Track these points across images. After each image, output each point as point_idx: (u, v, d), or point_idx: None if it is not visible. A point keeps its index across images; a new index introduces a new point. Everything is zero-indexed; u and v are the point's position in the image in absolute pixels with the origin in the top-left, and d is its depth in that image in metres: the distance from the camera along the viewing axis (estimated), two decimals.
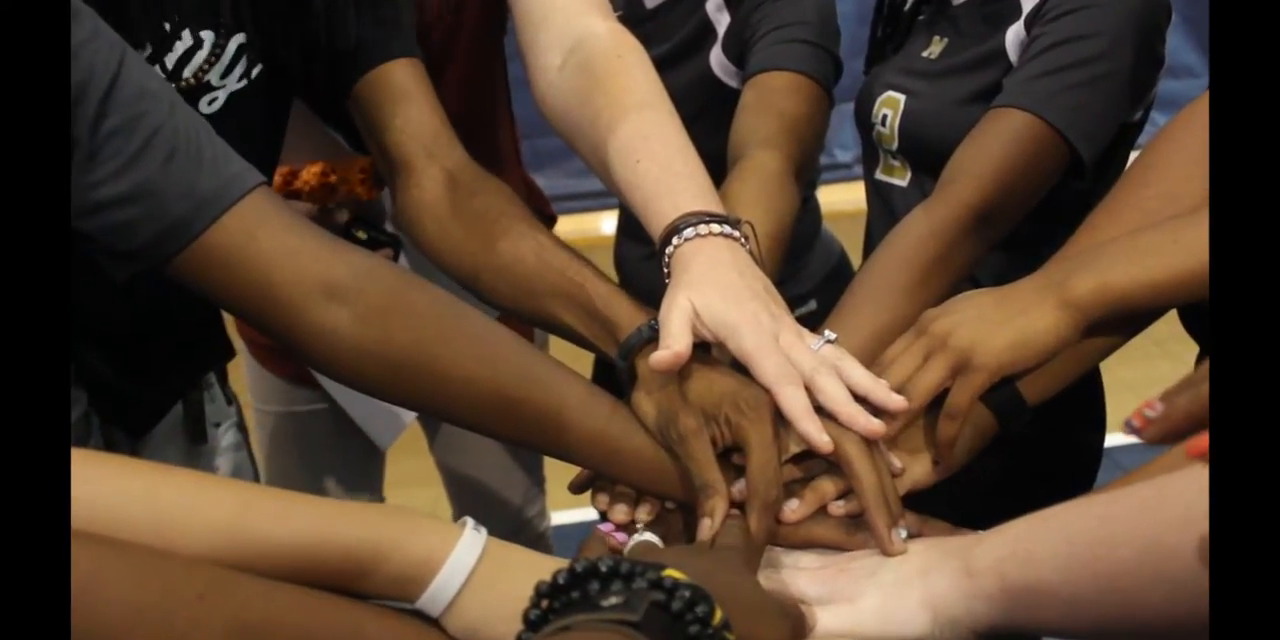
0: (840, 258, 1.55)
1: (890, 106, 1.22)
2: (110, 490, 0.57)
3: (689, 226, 0.81)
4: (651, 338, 0.78)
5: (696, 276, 0.78)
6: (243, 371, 1.49)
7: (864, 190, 1.32)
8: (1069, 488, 1.22)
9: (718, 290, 0.77)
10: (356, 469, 1.55)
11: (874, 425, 0.74)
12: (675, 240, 0.81)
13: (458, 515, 1.67)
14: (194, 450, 1.12)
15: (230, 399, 1.20)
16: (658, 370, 0.75)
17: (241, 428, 1.21)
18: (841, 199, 2.72)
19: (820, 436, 0.72)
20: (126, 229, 0.74)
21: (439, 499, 1.70)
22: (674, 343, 0.75)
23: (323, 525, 0.60)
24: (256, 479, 1.25)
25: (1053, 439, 1.08)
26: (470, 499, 1.61)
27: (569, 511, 2.00)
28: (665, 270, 0.82)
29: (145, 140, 0.73)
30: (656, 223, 0.83)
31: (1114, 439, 2.10)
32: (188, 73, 0.89)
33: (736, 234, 0.82)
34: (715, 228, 0.81)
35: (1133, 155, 1.17)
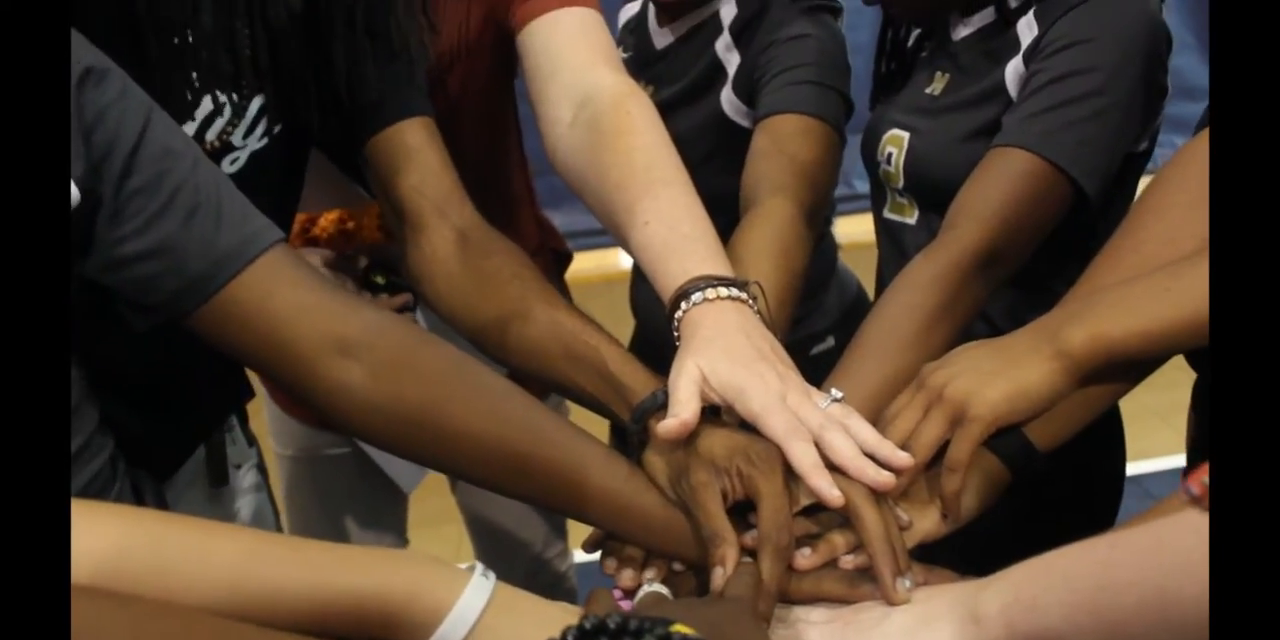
0: (857, 293, 1.55)
1: (895, 144, 1.22)
2: (115, 542, 0.58)
3: (697, 291, 0.82)
4: (665, 403, 0.79)
5: (703, 341, 0.79)
6: (263, 414, 1.50)
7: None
8: (1092, 518, 1.22)
9: (725, 354, 0.78)
10: (380, 512, 1.56)
11: (883, 477, 0.74)
12: (684, 305, 0.82)
13: (479, 555, 1.68)
14: (216, 492, 1.13)
15: (251, 440, 1.21)
16: (666, 438, 0.76)
17: (262, 469, 1.22)
18: (861, 230, 2.71)
19: (831, 490, 0.73)
20: (148, 284, 0.75)
21: (463, 537, 1.70)
22: (681, 410, 0.76)
23: (329, 573, 0.60)
24: (277, 520, 1.26)
25: (1069, 470, 1.07)
26: (492, 540, 1.61)
27: None
28: (675, 335, 0.83)
29: (168, 198, 0.74)
30: (665, 286, 0.85)
31: (1142, 466, 2.09)
32: (211, 136, 0.90)
33: (744, 296, 0.83)
34: (723, 291, 0.82)
35: (1141, 183, 1.17)
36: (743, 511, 0.76)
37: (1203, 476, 0.52)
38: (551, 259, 1.47)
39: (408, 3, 0.93)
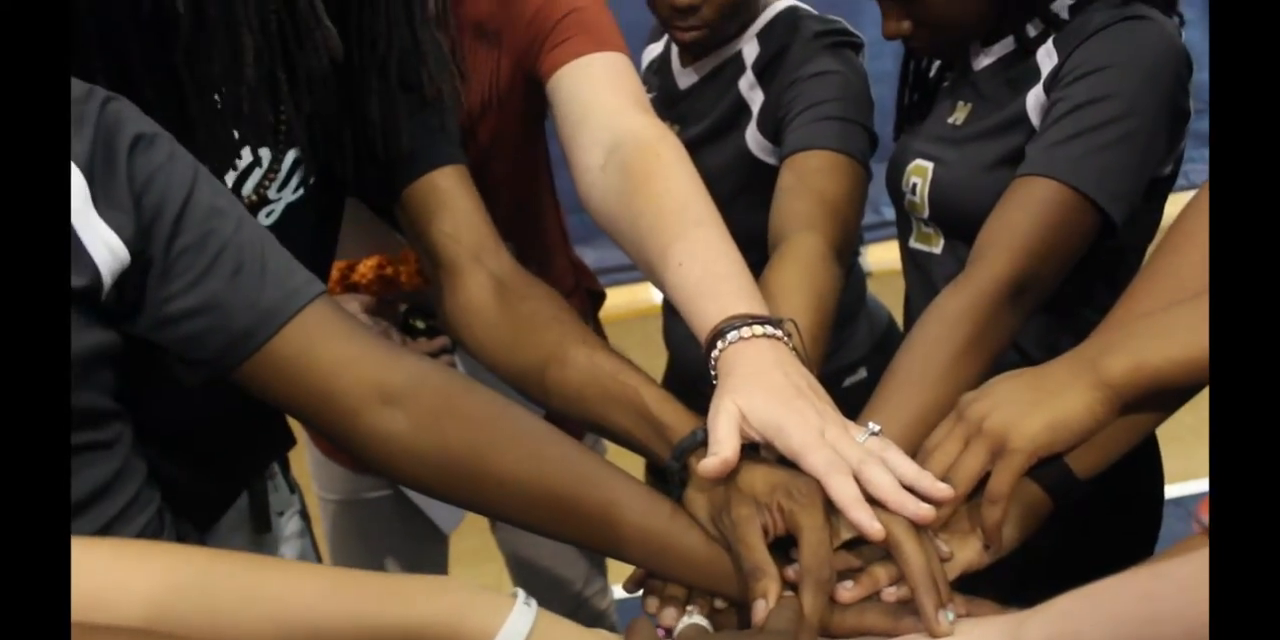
0: (888, 324, 1.56)
1: (919, 175, 1.23)
2: (164, 581, 0.60)
3: (732, 330, 0.83)
4: (705, 441, 0.80)
5: (740, 380, 0.81)
6: (305, 460, 1.51)
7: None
8: (1133, 540, 1.21)
9: (762, 391, 0.79)
10: (421, 552, 1.57)
11: (923, 510, 0.75)
12: (720, 344, 0.84)
13: None
14: (259, 539, 1.14)
15: (293, 487, 1.22)
16: (707, 477, 0.77)
17: (304, 515, 1.23)
18: (891, 257, 2.72)
19: (872, 524, 0.73)
20: (196, 340, 0.77)
21: (502, 576, 1.71)
22: (722, 449, 0.77)
23: (374, 605, 0.62)
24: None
25: (1107, 493, 1.07)
26: (532, 578, 1.62)
27: None
28: (712, 373, 0.84)
29: (214, 257, 0.77)
30: (701, 326, 0.86)
31: (1184, 488, 2.06)
32: (247, 190, 0.92)
33: (779, 333, 0.84)
34: (758, 330, 0.83)
35: (1169, 202, 1.17)
36: (784, 547, 0.77)
37: None
38: (585, 299, 1.49)
39: (439, 53, 0.95)
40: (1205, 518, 0.54)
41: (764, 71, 1.35)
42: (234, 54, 0.82)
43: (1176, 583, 0.57)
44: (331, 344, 0.79)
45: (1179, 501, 1.30)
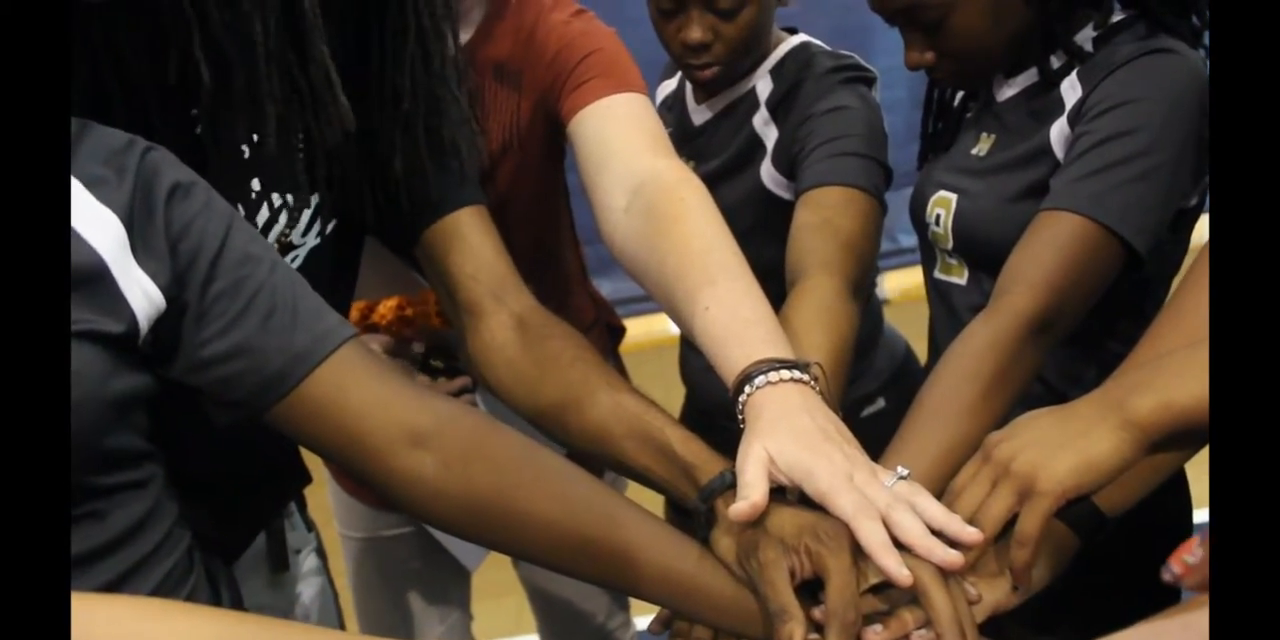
0: (905, 354, 1.55)
1: (943, 206, 1.22)
2: None
3: (760, 374, 0.84)
4: (732, 484, 0.81)
5: (769, 424, 0.81)
6: (322, 497, 1.51)
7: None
8: (1159, 566, 1.20)
9: (791, 435, 0.80)
10: (444, 588, 1.57)
11: (951, 557, 0.75)
12: (748, 389, 0.84)
13: (541, 627, 1.68)
14: (276, 579, 1.15)
15: (310, 525, 1.22)
16: (737, 521, 0.78)
17: (321, 553, 1.23)
18: (906, 283, 2.71)
19: (900, 570, 0.73)
20: (230, 382, 0.78)
21: (524, 609, 1.70)
22: (751, 493, 0.77)
23: None
24: (336, 602, 1.27)
25: (1133, 520, 1.07)
26: (554, 612, 1.62)
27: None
28: (740, 417, 0.84)
29: (248, 301, 0.78)
30: (728, 370, 0.87)
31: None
32: (271, 238, 0.93)
33: (806, 377, 0.85)
34: (785, 374, 0.84)
35: (1195, 233, 1.16)
36: (811, 590, 0.77)
37: (1184, 555, 0.53)
38: (605, 333, 1.49)
39: (457, 107, 0.96)
40: (1174, 566, 0.53)
41: (778, 107, 1.35)
42: (256, 122, 0.83)
43: (1203, 636, 0.57)
44: (362, 386, 0.80)
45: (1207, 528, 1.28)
